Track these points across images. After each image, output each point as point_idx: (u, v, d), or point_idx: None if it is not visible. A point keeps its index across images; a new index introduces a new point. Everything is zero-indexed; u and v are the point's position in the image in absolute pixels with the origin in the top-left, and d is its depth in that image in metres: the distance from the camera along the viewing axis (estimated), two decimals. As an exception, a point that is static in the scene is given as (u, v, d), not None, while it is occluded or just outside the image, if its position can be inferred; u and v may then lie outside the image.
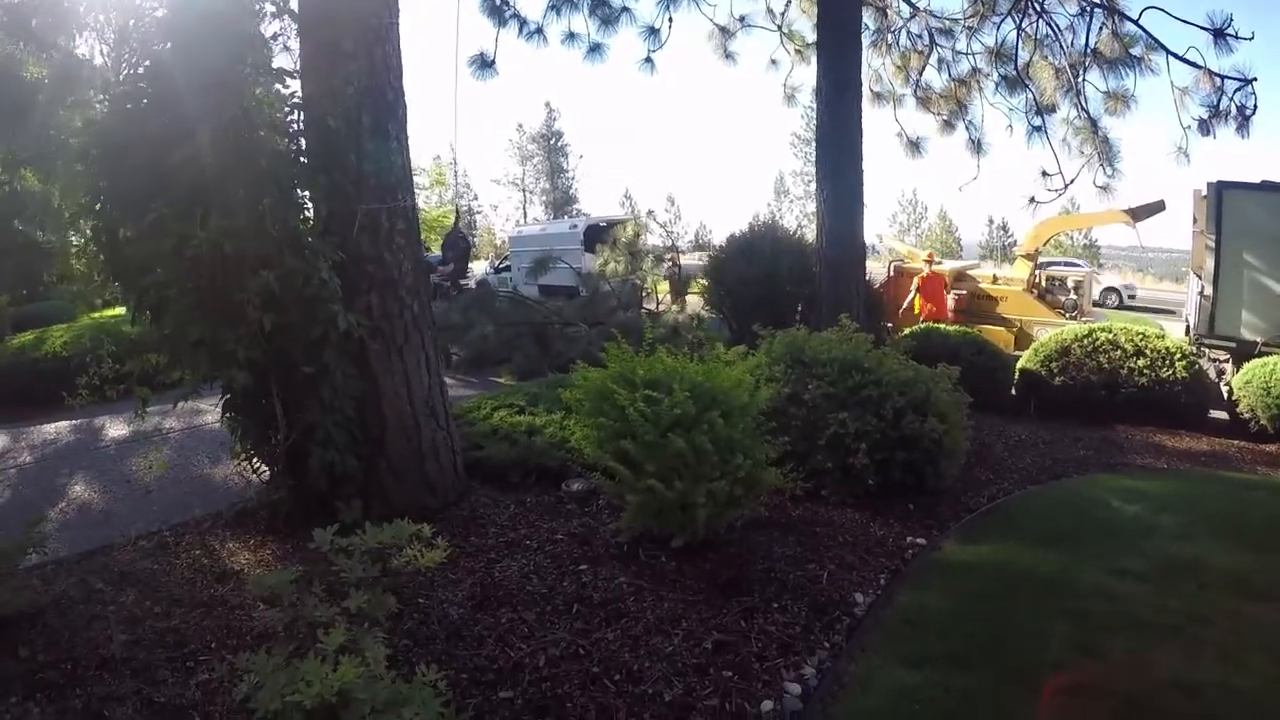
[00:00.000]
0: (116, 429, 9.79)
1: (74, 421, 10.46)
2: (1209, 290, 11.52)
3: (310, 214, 6.03)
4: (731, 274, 12.59)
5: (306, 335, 5.66)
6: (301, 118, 5.89)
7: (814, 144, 10.48)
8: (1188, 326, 13.17)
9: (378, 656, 3.37)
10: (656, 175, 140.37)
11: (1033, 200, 11.13)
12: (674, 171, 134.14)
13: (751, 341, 8.02)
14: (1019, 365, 10.74)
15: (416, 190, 24.12)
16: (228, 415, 6.11)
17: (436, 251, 21.87)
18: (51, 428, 10.33)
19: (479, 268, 31.02)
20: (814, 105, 11.22)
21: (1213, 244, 11.38)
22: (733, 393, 5.53)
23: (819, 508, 6.54)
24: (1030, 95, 11.35)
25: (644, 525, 5.56)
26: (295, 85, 6.01)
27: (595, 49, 12.15)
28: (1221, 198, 11.22)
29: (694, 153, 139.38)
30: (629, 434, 5.27)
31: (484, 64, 11.42)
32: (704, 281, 14.20)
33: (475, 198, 74.47)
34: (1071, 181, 10.75)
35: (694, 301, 16.47)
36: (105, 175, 5.53)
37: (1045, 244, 16.27)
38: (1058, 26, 10.94)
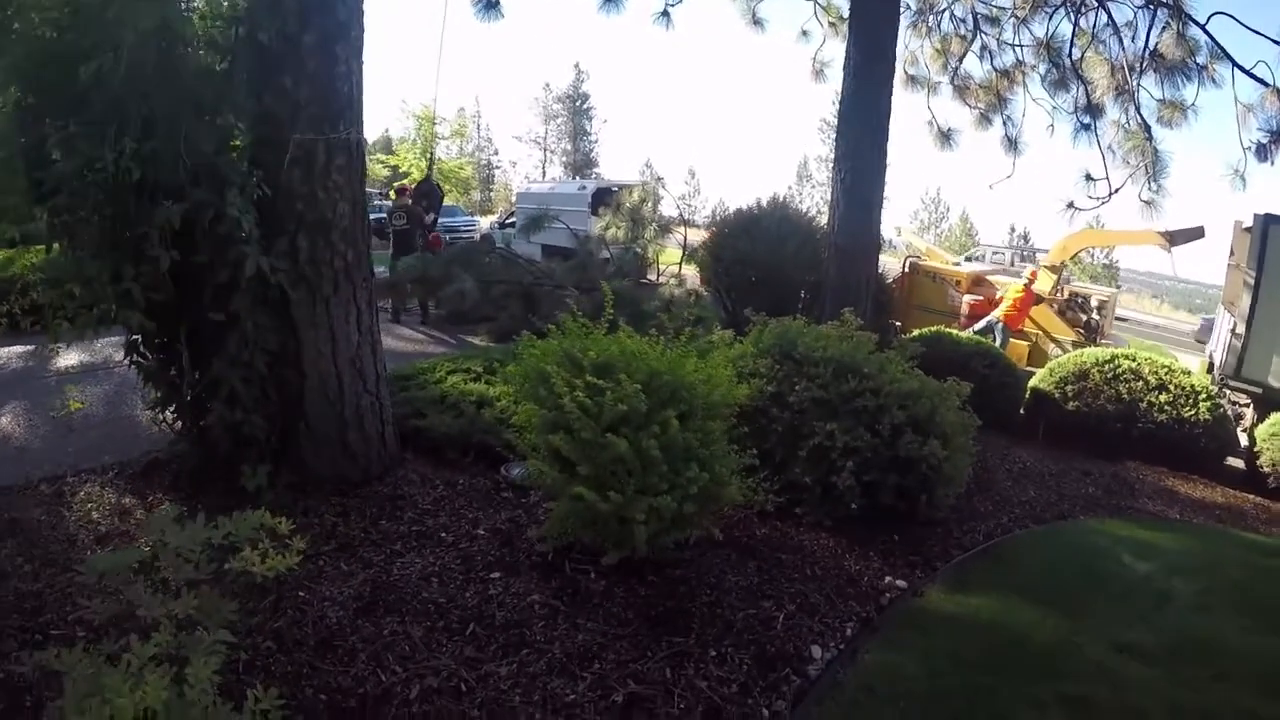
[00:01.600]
0: (69, 357, 9.12)
1: (27, 346, 9.79)
2: (1241, 329, 10.63)
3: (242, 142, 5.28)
4: (731, 251, 11.69)
5: (215, 277, 4.94)
6: (238, 33, 5.10)
7: (837, 118, 9.61)
8: (1211, 363, 12.36)
9: (202, 675, 2.68)
10: (679, 147, 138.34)
11: (1071, 205, 10.20)
12: (697, 145, 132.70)
13: (743, 327, 7.27)
14: (1031, 384, 9.97)
15: (438, 141, 22.97)
16: (133, 360, 5.42)
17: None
18: (4, 351, 9.71)
19: (487, 222, 30.38)
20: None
21: (1252, 280, 10.48)
22: (698, 388, 4.77)
23: (790, 528, 5.75)
24: (1083, 91, 10.38)
25: (575, 534, 4.81)
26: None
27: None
28: (1268, 232, 10.32)
29: (719, 128, 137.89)
30: (564, 427, 4.52)
31: (489, 5, 10.49)
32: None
33: (496, 153, 73.56)
34: (1117, 190, 9.82)
35: (692, 275, 15.68)
36: (31, 89, 4.84)
37: (1073, 258, 15.42)
38: (1116, 23, 9.98)
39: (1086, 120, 10.29)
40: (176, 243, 4.80)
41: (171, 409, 5.57)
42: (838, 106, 9.61)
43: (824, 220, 12.42)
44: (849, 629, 4.56)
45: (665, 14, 11.60)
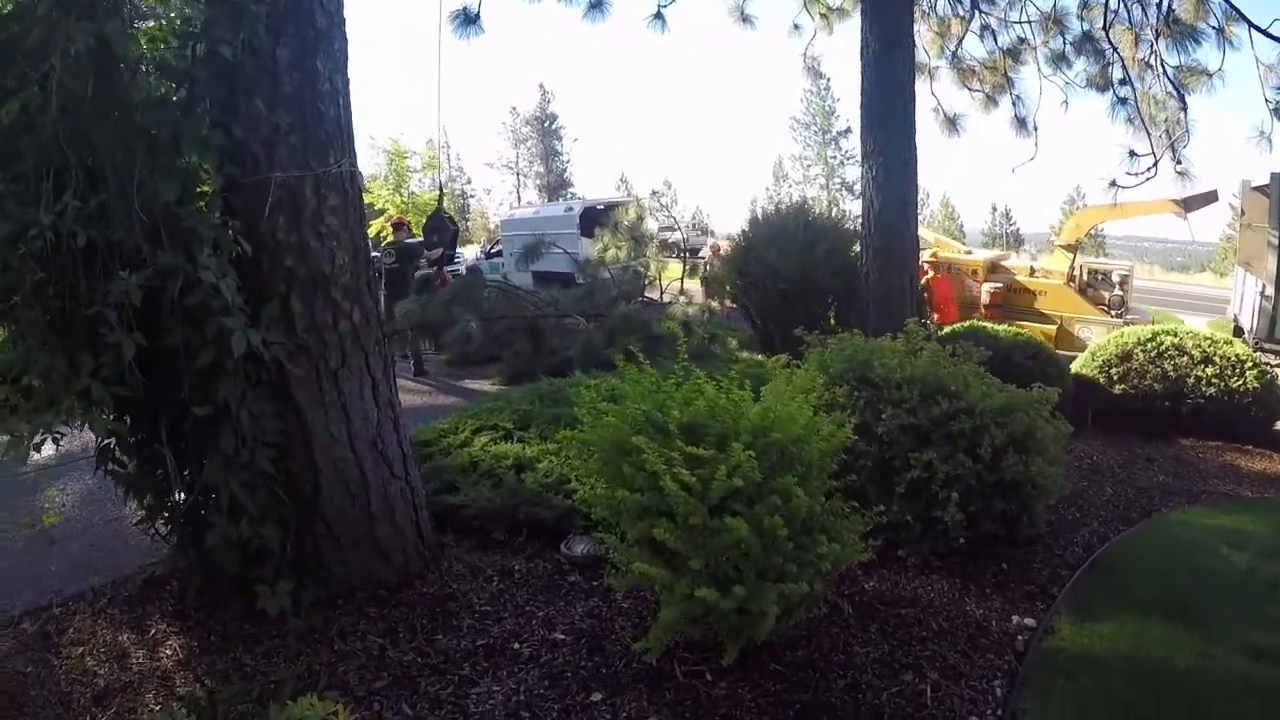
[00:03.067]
0: (51, 448, 7.81)
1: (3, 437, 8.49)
2: (1270, 290, 10.02)
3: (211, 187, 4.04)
4: (758, 264, 10.39)
5: (194, 362, 3.76)
6: (195, 51, 3.87)
7: (859, 111, 8.53)
8: (1237, 327, 11.57)
9: None
10: (651, 158, 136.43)
11: (1114, 184, 9.29)
12: (669, 154, 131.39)
13: (790, 347, 6.24)
14: (1073, 370, 9.04)
15: (409, 174, 21.34)
16: (107, 469, 4.24)
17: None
18: (-20, 445, 8.35)
19: (470, 253, 28.97)
20: (814, 86, 9.28)
21: (1275, 240, 9.81)
22: (807, 441, 3.68)
23: (897, 575, 4.82)
24: (1104, 63, 9.47)
25: (681, 631, 3.69)
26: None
27: (597, 6, 9.98)
28: None
29: (690, 135, 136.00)
30: (665, 512, 3.39)
31: (467, 19, 9.32)
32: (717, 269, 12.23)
33: (469, 181, 71.50)
34: (1157, 162, 8.90)
35: (693, 288, 14.56)
36: None
37: (1086, 234, 14.58)
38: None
39: (1124, 93, 9.29)
40: (141, 322, 3.63)
41: (163, 518, 4.37)
42: (860, 101, 8.52)
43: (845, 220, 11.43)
44: (998, 688, 3.81)
45: (659, 16, 10.46)
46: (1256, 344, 9.93)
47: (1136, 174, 9.14)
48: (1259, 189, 10.56)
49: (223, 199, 3.92)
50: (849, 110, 65.87)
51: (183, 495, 4.15)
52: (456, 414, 6.61)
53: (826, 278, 9.63)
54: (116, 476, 4.23)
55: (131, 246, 3.59)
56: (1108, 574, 5.01)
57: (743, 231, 11.60)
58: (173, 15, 3.89)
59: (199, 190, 3.92)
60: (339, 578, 4.36)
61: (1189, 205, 11.78)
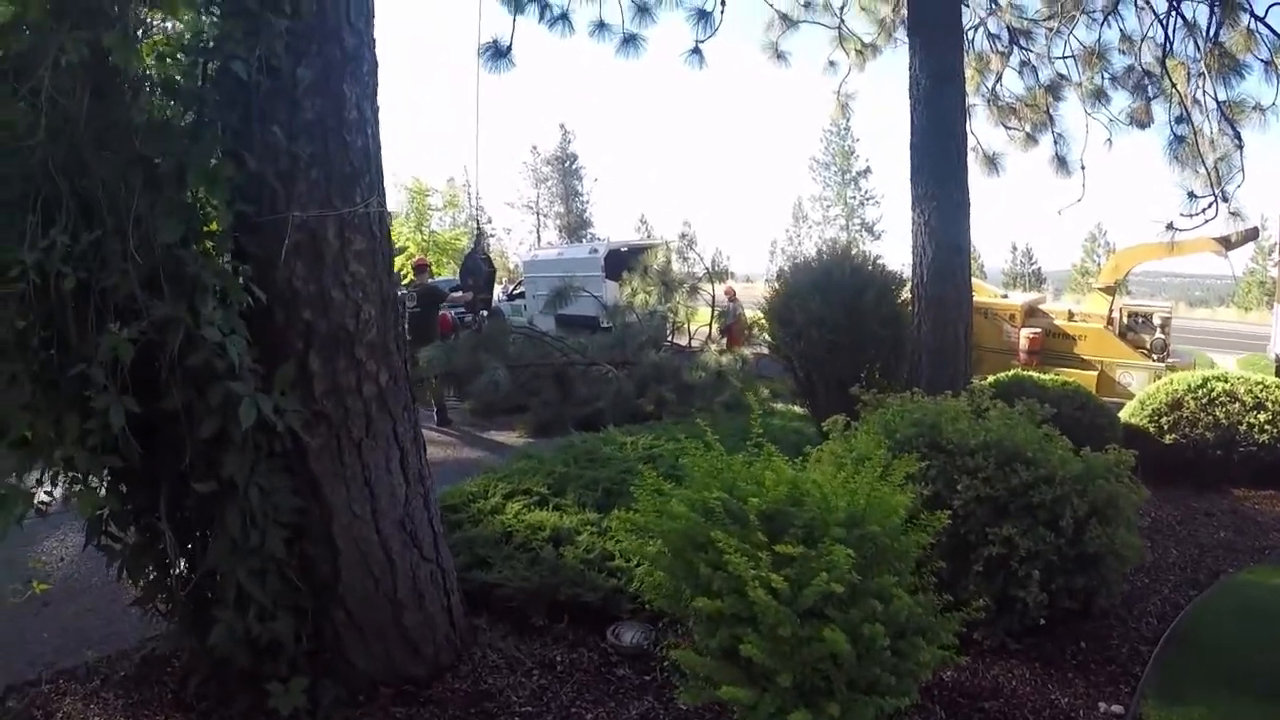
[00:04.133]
0: (46, 486, 7.13)
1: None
2: None
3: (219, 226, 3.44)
4: (802, 313, 9.65)
5: (196, 431, 3.17)
6: (207, 70, 3.35)
7: (909, 153, 7.91)
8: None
9: None
10: (671, 198, 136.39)
11: (1171, 227, 8.72)
12: (688, 195, 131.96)
13: (837, 400, 5.64)
14: (1122, 419, 8.37)
15: (430, 213, 20.70)
16: (100, 544, 3.59)
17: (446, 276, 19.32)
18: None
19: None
20: (843, 124, 8.81)
21: (1321, 277, 9.39)
22: (906, 534, 3.11)
23: (975, 662, 4.27)
24: (1160, 97, 8.97)
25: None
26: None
27: (630, 40, 9.47)
28: None
29: (709, 176, 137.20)
30: (749, 620, 2.77)
31: (498, 53, 8.79)
32: (758, 316, 11.56)
33: (489, 220, 71.45)
34: (1216, 201, 8.30)
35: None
36: None
37: (1125, 276, 13.95)
38: (1190, 21, 8.42)
39: (1182, 131, 8.70)
40: (137, 381, 3.07)
41: (162, 597, 3.75)
42: (909, 140, 7.92)
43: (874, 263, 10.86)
44: (1098, 793, 3.35)
45: (696, 51, 9.91)
46: None
47: (1193, 215, 8.57)
48: None
49: (233, 239, 3.35)
50: (868, 150, 65.32)
51: (185, 572, 3.57)
52: (485, 475, 5.97)
53: (875, 327, 9.03)
54: (109, 552, 3.60)
55: (126, 293, 3.04)
56: (1188, 647, 4.61)
57: (780, 277, 11.02)
58: (181, 28, 3.34)
59: (205, 230, 3.34)
60: (360, 671, 3.73)
61: (1230, 243, 11.22)
